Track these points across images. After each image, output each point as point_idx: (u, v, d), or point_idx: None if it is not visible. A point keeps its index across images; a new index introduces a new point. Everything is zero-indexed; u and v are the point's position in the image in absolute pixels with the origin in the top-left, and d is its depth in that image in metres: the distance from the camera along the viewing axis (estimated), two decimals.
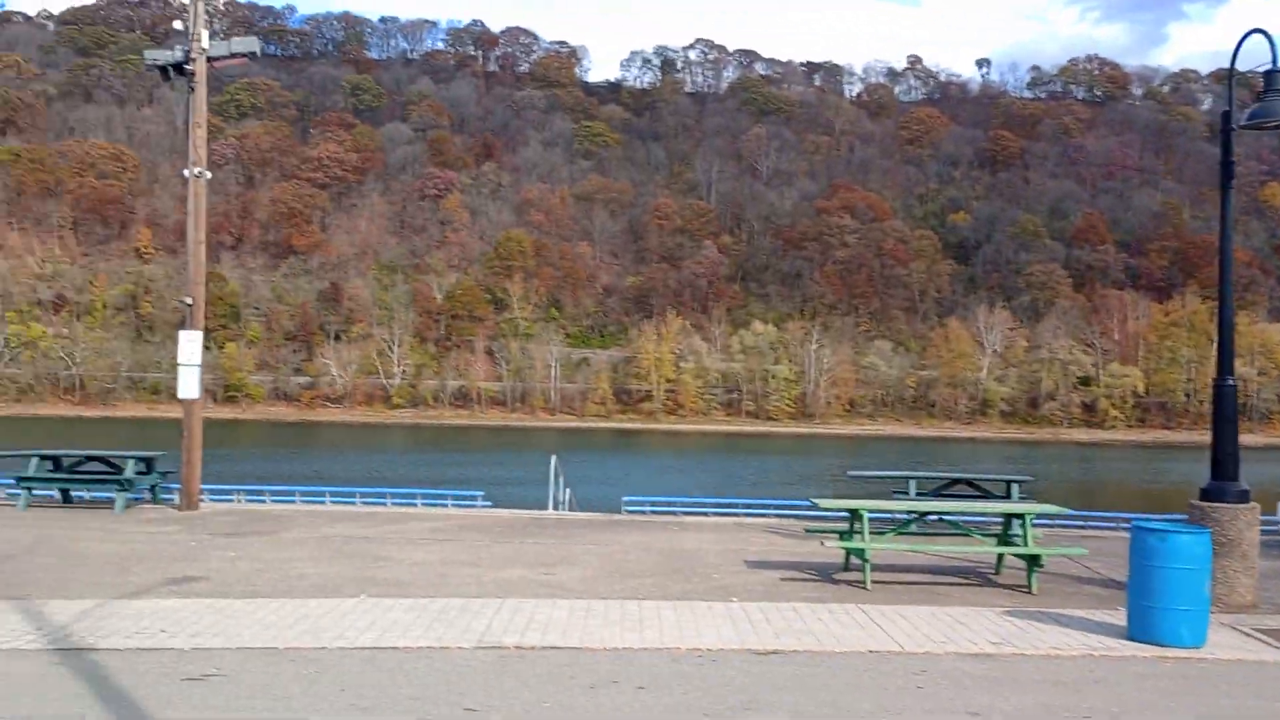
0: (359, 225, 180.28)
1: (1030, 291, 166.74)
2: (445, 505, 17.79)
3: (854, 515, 11.41)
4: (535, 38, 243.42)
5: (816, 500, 11.78)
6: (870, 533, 11.19)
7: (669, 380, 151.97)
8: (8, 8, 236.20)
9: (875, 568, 11.21)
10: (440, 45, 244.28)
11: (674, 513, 18.10)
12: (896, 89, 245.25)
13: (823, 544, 10.98)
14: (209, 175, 16.34)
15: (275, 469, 71.38)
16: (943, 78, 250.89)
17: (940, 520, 12.74)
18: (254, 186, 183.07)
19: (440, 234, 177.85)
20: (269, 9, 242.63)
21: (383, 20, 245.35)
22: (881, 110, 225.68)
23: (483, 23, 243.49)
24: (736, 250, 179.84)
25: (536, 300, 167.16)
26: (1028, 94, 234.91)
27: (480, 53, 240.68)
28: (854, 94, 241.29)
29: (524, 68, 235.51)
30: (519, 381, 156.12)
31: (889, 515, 13.54)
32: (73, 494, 16.75)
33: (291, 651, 7.66)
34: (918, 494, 15.90)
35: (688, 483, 60.90)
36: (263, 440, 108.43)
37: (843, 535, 11.67)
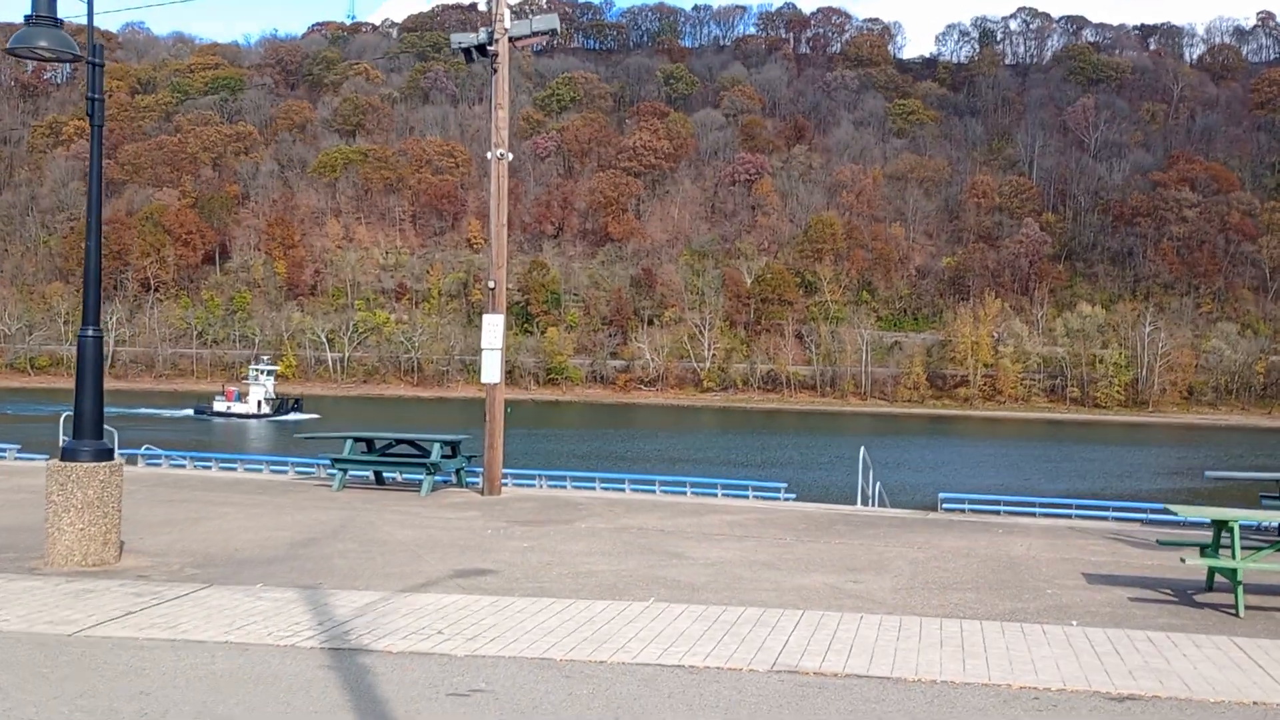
0: (671, 212, 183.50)
1: None
2: (746, 496, 16.96)
3: (1221, 526, 9.65)
4: (847, 17, 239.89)
5: (1173, 508, 10.04)
6: (1242, 547, 9.38)
7: (986, 365, 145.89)
8: (357, 19, 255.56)
9: (1249, 589, 9.43)
10: (752, 30, 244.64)
11: (997, 512, 16.48)
12: (1244, 49, 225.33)
13: (1182, 560, 9.29)
14: (510, 157, 16.19)
15: (592, 448, 73.60)
16: None
17: None
18: (573, 177, 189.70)
19: (751, 218, 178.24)
20: (588, 4, 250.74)
21: (696, 8, 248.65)
22: (1227, 73, 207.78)
23: (794, 4, 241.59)
24: (1061, 228, 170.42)
25: (847, 283, 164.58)
26: None
27: (791, 35, 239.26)
28: (1195, 57, 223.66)
29: (836, 48, 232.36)
30: (829, 366, 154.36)
31: (1266, 526, 11.52)
32: (384, 475, 17.14)
33: (567, 665, 6.98)
34: None
35: (1010, 476, 57.58)
36: (581, 422, 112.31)
37: (1204, 549, 9.91)
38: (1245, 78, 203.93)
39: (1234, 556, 9.18)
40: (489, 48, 16.06)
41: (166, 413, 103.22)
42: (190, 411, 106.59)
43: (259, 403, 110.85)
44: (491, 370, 15.77)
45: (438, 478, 16.28)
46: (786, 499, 16.82)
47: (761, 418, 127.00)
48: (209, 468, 19.85)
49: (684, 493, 17.41)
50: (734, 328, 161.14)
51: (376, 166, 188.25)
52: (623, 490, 17.62)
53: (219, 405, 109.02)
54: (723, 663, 7.13)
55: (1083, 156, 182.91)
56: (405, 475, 17.15)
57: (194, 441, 63.94)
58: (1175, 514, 9.60)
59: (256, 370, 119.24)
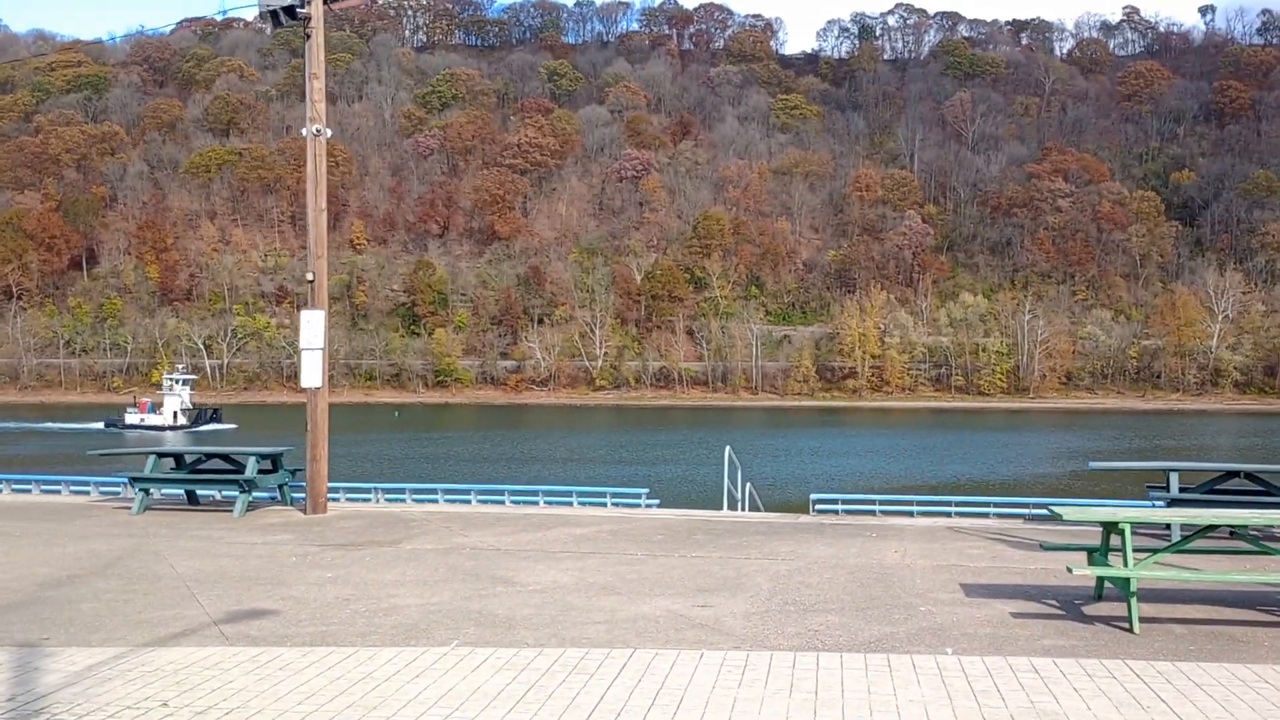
0: (559, 209, 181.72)
1: (1265, 252, 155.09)
2: (604, 503, 15.53)
3: (1110, 528, 8.52)
4: (729, 13, 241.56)
5: (1057, 508, 8.84)
6: (1134, 550, 8.24)
7: (873, 356, 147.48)
8: (229, 14, 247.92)
9: (1141, 596, 8.28)
10: (635, 26, 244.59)
11: (872, 512, 15.31)
12: (1111, 43, 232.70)
13: (1069, 570, 8.11)
14: (328, 133, 14.44)
15: (479, 450, 71.74)
16: (1162, 28, 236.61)
17: (1235, 534, 9.64)
18: (457, 175, 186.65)
19: (639, 215, 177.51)
20: (469, 0, 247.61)
21: (578, 5, 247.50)
22: (1096, 66, 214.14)
23: (676, 1, 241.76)
24: (942, 220, 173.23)
25: (736, 278, 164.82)
26: (1258, 40, 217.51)
27: (675, 31, 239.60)
28: (1065, 51, 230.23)
29: (719, 44, 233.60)
30: (720, 361, 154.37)
31: (1158, 526, 10.46)
32: (199, 494, 15.30)
33: None
34: (1181, 489, 12.65)
35: (896, 465, 57.25)
36: (471, 424, 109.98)
37: (1093, 555, 8.79)
38: (1112, 71, 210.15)
39: (1126, 563, 8.02)
40: (300, 10, 14.29)
41: (75, 426, 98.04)
42: (100, 425, 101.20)
43: (175, 414, 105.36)
44: (312, 373, 14.02)
45: (259, 494, 14.56)
46: (648, 505, 15.42)
47: (654, 415, 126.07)
48: None
49: (536, 503, 15.91)
50: (625, 325, 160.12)
51: (252, 166, 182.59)
52: (469, 502, 16.05)
53: (131, 418, 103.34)
54: None
55: (961, 149, 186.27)
56: (225, 493, 15.33)
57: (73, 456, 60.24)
58: (1059, 515, 8.42)
59: (171, 379, 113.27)
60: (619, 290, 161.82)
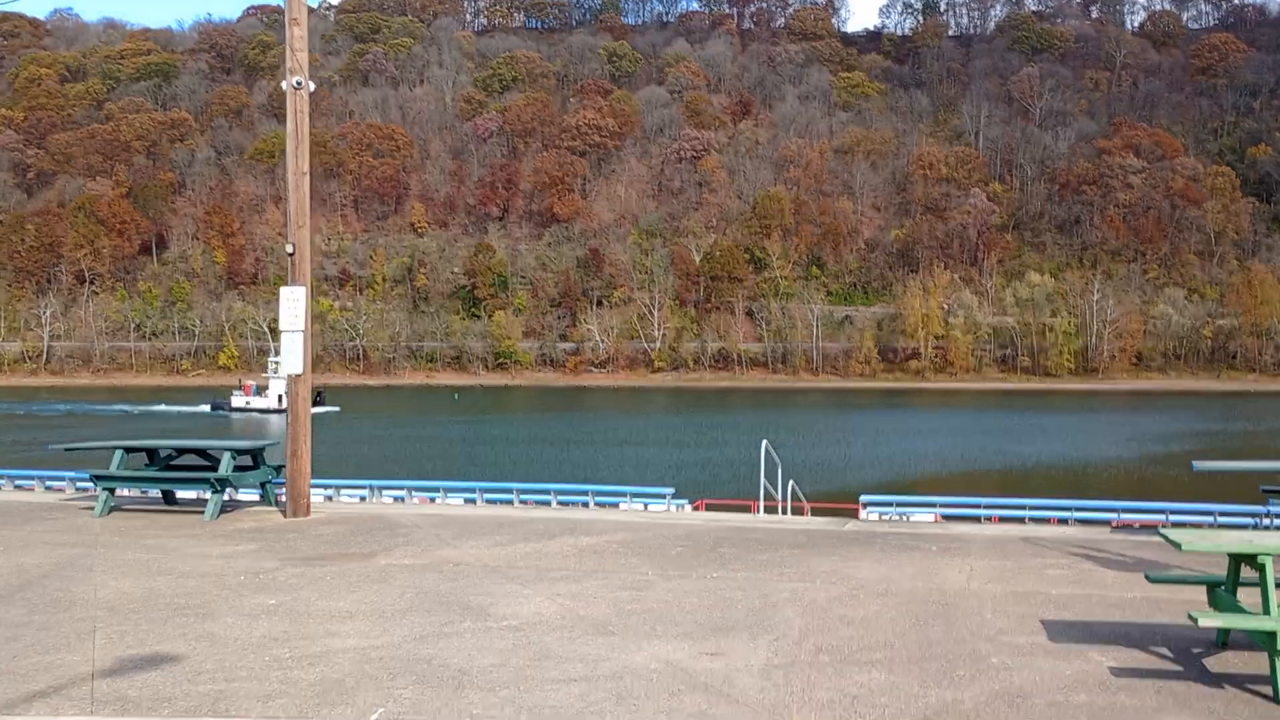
0: (618, 191, 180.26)
1: None
2: (628, 503, 13.76)
3: (1243, 562, 6.57)
4: None
5: (1173, 534, 6.80)
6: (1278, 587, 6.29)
7: (937, 337, 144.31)
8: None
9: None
10: (695, 6, 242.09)
11: (930, 514, 13.36)
12: (1184, 15, 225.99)
13: (1192, 619, 6.17)
14: (312, 86, 12.78)
15: (532, 433, 70.52)
16: (1237, 0, 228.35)
17: None
18: (517, 157, 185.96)
19: (698, 195, 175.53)
20: None
21: None
22: (1168, 39, 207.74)
23: None
24: (1008, 197, 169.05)
25: (796, 258, 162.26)
26: None
27: (735, 10, 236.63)
28: (1136, 24, 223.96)
29: (780, 22, 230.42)
30: (780, 342, 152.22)
31: None
32: (177, 493, 13.76)
33: None
34: None
35: (956, 451, 54.70)
36: (529, 406, 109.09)
37: (1215, 590, 6.86)
38: (1185, 44, 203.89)
39: (1267, 609, 6.05)
40: None
41: (183, 409, 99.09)
42: (206, 408, 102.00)
43: (279, 397, 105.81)
44: (293, 358, 12.33)
45: (249, 491, 13.00)
46: (676, 507, 13.61)
47: (713, 397, 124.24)
48: None
49: (548, 503, 14.18)
50: (684, 306, 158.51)
51: (316, 151, 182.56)
52: (474, 501, 14.36)
53: (237, 400, 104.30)
54: None
55: (1028, 126, 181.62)
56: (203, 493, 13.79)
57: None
58: (1176, 544, 6.46)
59: (275, 362, 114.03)
60: (678, 271, 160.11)
